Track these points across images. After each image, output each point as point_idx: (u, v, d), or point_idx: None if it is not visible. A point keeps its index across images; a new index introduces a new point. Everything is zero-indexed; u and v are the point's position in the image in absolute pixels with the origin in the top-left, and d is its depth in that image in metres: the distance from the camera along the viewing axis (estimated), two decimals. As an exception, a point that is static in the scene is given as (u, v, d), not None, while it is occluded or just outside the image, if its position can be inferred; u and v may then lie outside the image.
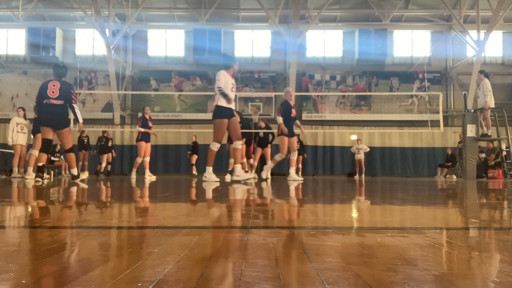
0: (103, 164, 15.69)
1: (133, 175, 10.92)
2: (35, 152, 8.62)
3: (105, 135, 16.19)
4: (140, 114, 16.39)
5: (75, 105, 6.92)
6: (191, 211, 2.21)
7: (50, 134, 6.94)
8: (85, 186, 5.29)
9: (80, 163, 15.73)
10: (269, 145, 11.85)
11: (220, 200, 2.98)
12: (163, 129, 17.50)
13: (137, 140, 11.08)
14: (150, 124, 11.03)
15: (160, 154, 18.81)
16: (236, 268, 0.83)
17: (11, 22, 18.80)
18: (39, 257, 0.94)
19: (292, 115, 8.92)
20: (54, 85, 6.79)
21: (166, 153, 18.95)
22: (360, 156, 16.97)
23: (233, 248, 1.07)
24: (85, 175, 7.85)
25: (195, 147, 16.68)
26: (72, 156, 7.23)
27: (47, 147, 7.08)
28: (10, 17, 18.44)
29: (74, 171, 7.25)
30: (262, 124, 11.54)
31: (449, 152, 16.63)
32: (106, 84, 19.52)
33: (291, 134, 8.96)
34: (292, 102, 9.11)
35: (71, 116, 7.62)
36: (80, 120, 7.14)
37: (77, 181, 6.94)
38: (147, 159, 11.19)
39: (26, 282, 0.73)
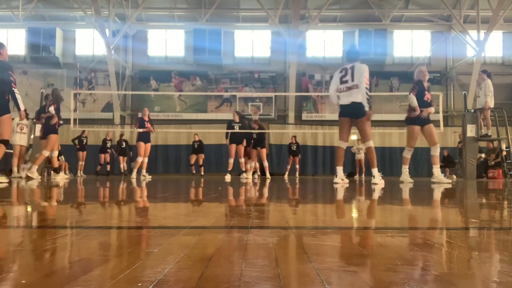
0: (123, 164, 16.26)
1: (134, 175, 10.96)
2: (46, 153, 8.67)
3: (123, 138, 16.42)
4: (140, 114, 16.47)
5: (15, 89, 5.88)
6: (191, 211, 2.21)
7: None
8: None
9: (80, 162, 15.79)
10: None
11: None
12: (163, 129, 17.52)
13: (136, 141, 11.40)
14: (148, 125, 11.22)
15: (160, 154, 18.82)
16: (236, 268, 0.83)
17: (11, 22, 18.82)
18: (39, 257, 0.94)
19: (425, 98, 7.24)
20: None
21: (166, 153, 18.97)
22: (360, 156, 16.97)
23: (233, 248, 1.07)
24: (2, 179, 6.41)
25: (200, 146, 16.12)
26: (1, 148, 5.99)
27: None
28: (10, 17, 18.45)
29: None
30: (256, 126, 11.53)
31: (445, 153, 16.72)
32: (106, 84, 19.53)
33: (421, 121, 7.22)
34: (425, 84, 7.35)
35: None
36: (22, 108, 6.01)
37: None
38: (146, 159, 11.36)
39: (26, 282, 0.73)
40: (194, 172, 15.87)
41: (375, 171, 6.23)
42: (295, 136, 16.57)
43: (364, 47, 19.36)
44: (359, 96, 6.08)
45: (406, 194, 3.97)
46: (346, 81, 6.17)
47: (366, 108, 6.12)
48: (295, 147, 16.37)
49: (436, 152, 7.25)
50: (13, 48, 20.39)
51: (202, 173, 15.80)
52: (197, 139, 16.09)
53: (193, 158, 16.03)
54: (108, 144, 16.19)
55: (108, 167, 16.19)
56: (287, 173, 16.40)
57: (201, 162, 15.94)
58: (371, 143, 6.27)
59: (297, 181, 7.55)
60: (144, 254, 0.97)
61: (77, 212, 2.10)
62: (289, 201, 2.93)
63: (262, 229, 1.42)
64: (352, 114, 6.19)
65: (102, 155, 16.15)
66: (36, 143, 9.89)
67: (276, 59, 20.07)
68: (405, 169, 7.31)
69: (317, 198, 3.45)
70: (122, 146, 16.24)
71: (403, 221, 1.86)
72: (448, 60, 20.24)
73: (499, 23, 17.11)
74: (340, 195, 3.74)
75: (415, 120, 7.20)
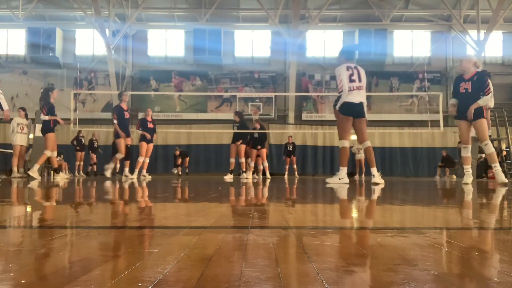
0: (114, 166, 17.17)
1: (134, 176, 10.95)
2: (48, 153, 8.65)
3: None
4: (140, 114, 16.53)
5: None
6: (191, 211, 2.21)
7: None
8: None
9: (77, 163, 15.82)
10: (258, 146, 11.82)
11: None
12: (163, 129, 17.55)
13: (139, 141, 11.36)
14: (150, 125, 11.13)
15: (160, 154, 18.83)
16: (236, 268, 0.83)
17: (11, 22, 18.83)
18: (39, 257, 0.94)
19: (461, 90, 6.40)
20: None
21: (166, 153, 18.98)
22: (360, 156, 16.96)
23: (233, 248, 1.07)
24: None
25: (185, 153, 17.64)
26: None
27: None
28: (10, 17, 18.46)
29: None
30: (257, 126, 11.52)
31: (444, 154, 16.73)
32: (106, 84, 19.54)
33: (466, 116, 6.35)
34: (466, 75, 6.41)
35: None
36: (5, 108, 5.68)
37: None
38: (147, 159, 11.34)
39: (26, 282, 0.73)
40: (180, 173, 17.11)
41: (374, 170, 6.25)
42: (291, 136, 16.64)
43: (364, 47, 19.38)
44: (364, 97, 6.18)
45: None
46: (354, 80, 6.11)
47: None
48: (291, 147, 16.40)
49: (488, 150, 6.41)
50: (13, 48, 20.41)
51: (187, 170, 17.54)
52: (178, 153, 17.32)
53: (179, 160, 17.29)
54: (95, 144, 16.35)
55: (95, 167, 16.27)
56: (286, 173, 16.42)
57: (186, 164, 17.59)
58: (369, 143, 6.37)
59: (295, 181, 7.54)
60: (144, 254, 0.97)
61: (76, 212, 2.10)
62: (289, 201, 2.93)
63: (262, 229, 1.42)
64: (359, 113, 6.21)
65: (92, 155, 16.38)
66: (36, 143, 9.89)
67: (276, 59, 20.07)
68: (467, 169, 6.62)
69: (317, 198, 3.45)
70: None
71: (403, 221, 1.86)
72: (448, 60, 20.25)
73: (499, 23, 17.12)
74: (340, 195, 3.75)
75: (457, 115, 6.60)
